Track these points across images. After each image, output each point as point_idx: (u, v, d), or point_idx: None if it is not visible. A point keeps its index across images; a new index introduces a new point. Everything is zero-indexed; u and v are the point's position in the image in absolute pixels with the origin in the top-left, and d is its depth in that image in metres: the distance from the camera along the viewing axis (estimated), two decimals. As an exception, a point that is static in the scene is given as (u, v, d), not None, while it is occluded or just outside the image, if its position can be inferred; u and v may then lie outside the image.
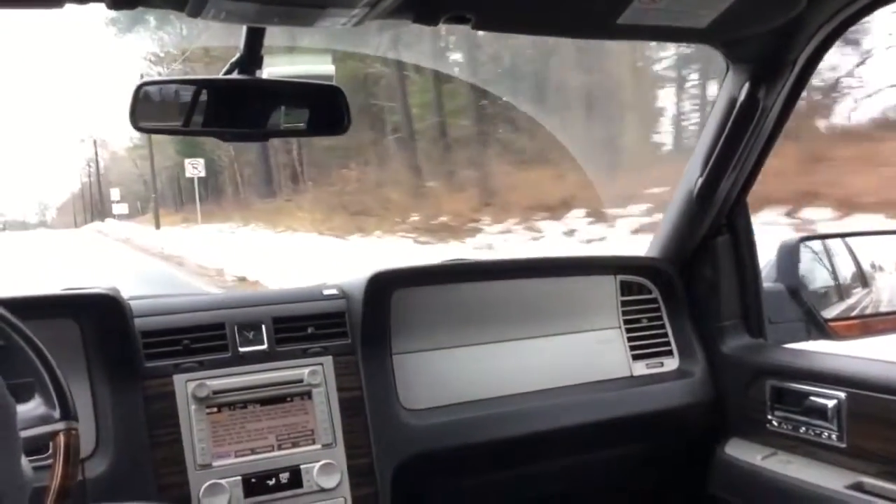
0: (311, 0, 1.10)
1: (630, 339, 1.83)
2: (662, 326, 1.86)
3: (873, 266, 1.91)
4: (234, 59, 1.35)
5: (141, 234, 27.60)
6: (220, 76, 1.35)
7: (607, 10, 1.25)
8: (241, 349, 1.49)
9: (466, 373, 1.67)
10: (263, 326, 1.51)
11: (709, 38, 1.43)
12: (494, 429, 1.62)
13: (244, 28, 1.29)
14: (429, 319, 1.67)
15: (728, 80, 1.61)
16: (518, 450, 1.66)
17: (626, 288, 1.85)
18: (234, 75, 1.34)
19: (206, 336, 1.48)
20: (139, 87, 1.30)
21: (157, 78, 1.34)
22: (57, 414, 1.06)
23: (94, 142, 55.46)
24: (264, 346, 1.50)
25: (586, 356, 1.79)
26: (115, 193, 43.85)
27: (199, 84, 1.33)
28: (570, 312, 1.80)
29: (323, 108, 1.39)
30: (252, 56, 1.32)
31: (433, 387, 1.63)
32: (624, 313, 1.84)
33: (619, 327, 1.83)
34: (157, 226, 29.28)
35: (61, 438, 1.05)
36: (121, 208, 44.59)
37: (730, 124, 1.61)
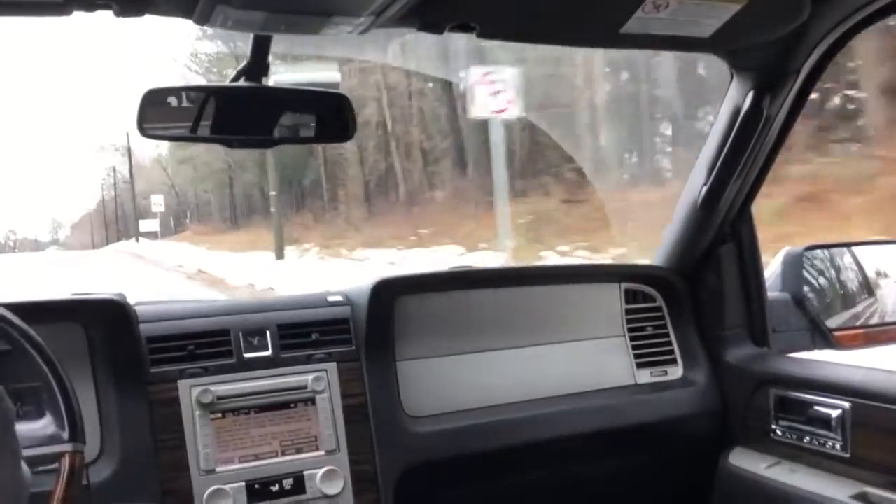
0: (318, 8, 1.12)
1: (634, 348, 1.83)
2: (667, 335, 1.86)
3: (878, 275, 1.90)
4: (240, 67, 1.36)
5: (219, 263, 18.35)
6: (228, 84, 1.37)
7: (612, 20, 1.26)
8: (246, 355, 1.49)
9: (470, 380, 1.67)
10: (268, 332, 1.52)
11: (713, 47, 1.44)
12: (498, 436, 1.62)
13: (251, 36, 1.30)
14: (433, 326, 1.67)
15: (732, 89, 1.62)
16: (522, 458, 1.66)
17: (630, 296, 1.85)
18: (241, 83, 1.36)
19: (212, 342, 1.48)
20: (147, 94, 1.32)
21: (164, 85, 1.35)
22: (66, 435, 1.08)
23: (127, 146, 46.22)
24: (269, 353, 1.51)
25: (590, 364, 1.79)
26: (156, 200, 38.65)
27: (207, 91, 1.34)
28: (574, 320, 1.80)
29: (329, 116, 1.40)
30: (259, 64, 1.34)
31: (437, 394, 1.64)
32: (628, 321, 1.84)
33: (624, 335, 1.83)
34: (280, 252, 17.79)
35: (66, 460, 1.07)
36: (150, 224, 40.41)
37: (734, 133, 1.62)
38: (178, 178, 43.79)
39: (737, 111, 1.60)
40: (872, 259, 1.91)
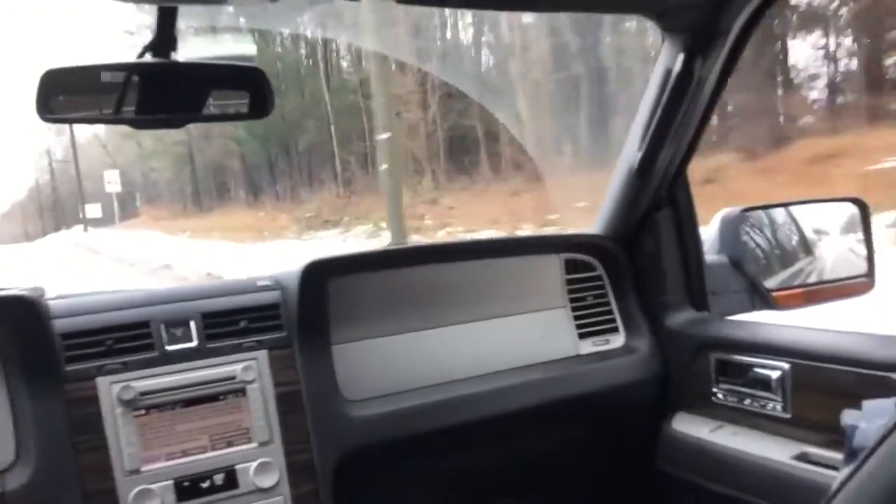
0: None
1: (576, 318, 1.81)
2: (608, 303, 1.85)
3: (816, 234, 1.91)
4: (147, 43, 1.27)
5: (220, 258, 13.79)
6: (134, 60, 1.28)
7: None
8: (169, 347, 1.42)
9: (410, 360, 1.63)
10: (192, 322, 1.45)
11: (643, 8, 1.40)
12: (441, 416, 1.58)
13: (155, 8, 1.22)
14: (369, 307, 1.62)
15: (664, 51, 1.59)
16: (466, 436, 1.63)
17: (570, 266, 1.82)
18: (148, 59, 1.27)
19: (131, 335, 1.41)
20: (46, 75, 1.22)
21: (63, 66, 1.26)
22: None
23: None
24: (193, 343, 1.44)
25: (532, 337, 1.76)
26: (110, 178, 31.43)
27: (110, 69, 1.25)
28: (514, 294, 1.76)
29: (244, 92, 1.32)
30: (165, 38, 1.25)
31: (376, 376, 1.59)
32: (569, 292, 1.82)
33: (565, 306, 1.81)
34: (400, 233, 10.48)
35: None
36: (92, 210, 34.81)
37: (666, 96, 1.59)
38: (120, 156, 39.38)
39: (668, 74, 1.57)
40: (810, 218, 1.91)
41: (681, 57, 1.53)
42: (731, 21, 1.46)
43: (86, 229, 34.45)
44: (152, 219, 34.73)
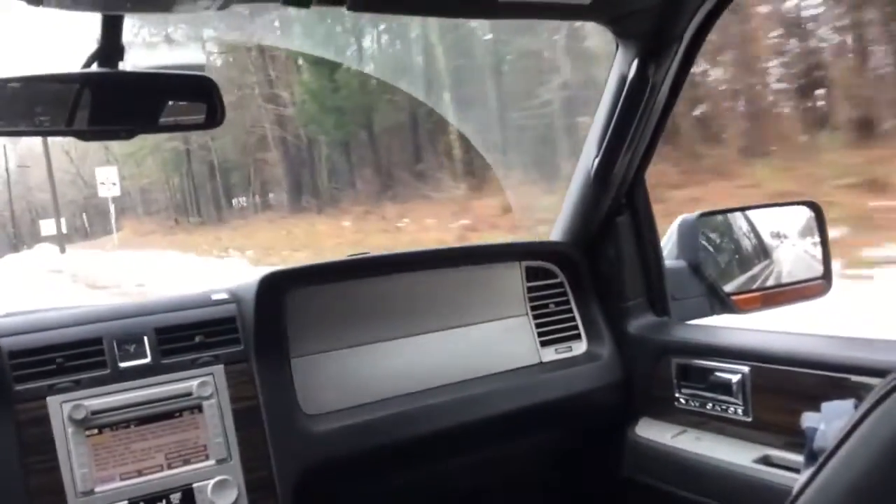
0: None
1: (538, 326, 1.80)
2: (570, 310, 1.84)
3: (773, 237, 1.93)
4: (92, 52, 1.24)
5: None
6: (78, 70, 1.25)
7: None
8: (122, 364, 1.38)
9: (371, 372, 1.61)
10: (146, 338, 1.41)
11: (594, 14, 1.41)
12: (403, 428, 1.56)
13: (100, 17, 1.19)
14: (329, 319, 1.59)
15: (618, 57, 1.59)
16: (429, 448, 1.61)
17: (531, 274, 1.82)
18: (94, 68, 1.24)
19: (82, 353, 1.37)
20: None
21: (3, 76, 1.22)
22: None
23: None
24: (147, 360, 1.40)
25: (495, 346, 1.75)
26: (105, 177, 24.03)
27: (54, 80, 1.22)
28: (475, 302, 1.75)
29: (195, 100, 1.29)
30: (111, 47, 1.22)
31: (337, 389, 1.56)
32: (531, 300, 1.81)
33: (527, 314, 1.80)
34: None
35: None
36: (48, 226, 29.54)
37: (621, 102, 1.59)
38: (84, 163, 34.68)
39: (623, 80, 1.58)
40: (767, 222, 1.93)
41: (635, 63, 1.54)
42: (683, 27, 1.47)
43: (63, 249, 28.70)
44: (136, 234, 30.16)
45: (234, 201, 30.61)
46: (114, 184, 23.77)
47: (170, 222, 32.46)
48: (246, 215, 27.38)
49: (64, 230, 30.59)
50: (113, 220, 26.35)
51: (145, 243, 26.04)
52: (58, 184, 31.90)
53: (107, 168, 25.44)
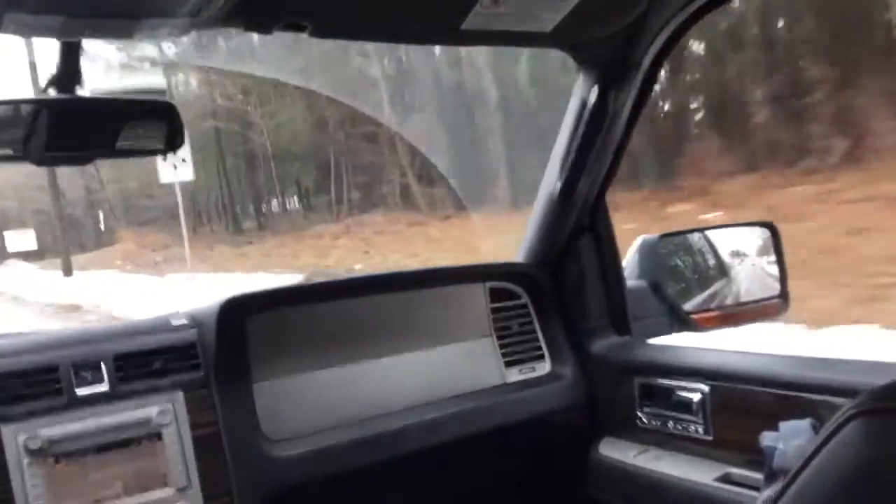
0: (125, 10, 1.01)
1: (502, 347, 1.81)
2: (533, 331, 1.85)
3: (732, 257, 1.96)
4: (49, 77, 1.23)
5: None
6: (35, 96, 1.23)
7: (450, 16, 1.22)
8: (79, 391, 1.35)
9: (334, 395, 1.60)
10: (103, 365, 1.39)
11: (555, 41, 1.43)
12: (367, 452, 1.55)
13: (59, 42, 1.18)
14: (291, 343, 1.58)
15: (579, 82, 1.62)
16: (394, 472, 1.61)
17: (495, 295, 1.83)
18: (51, 94, 1.22)
19: (38, 380, 1.34)
20: None
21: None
22: None
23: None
24: (105, 387, 1.37)
25: (459, 367, 1.75)
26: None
27: (7, 104, 1.20)
28: (439, 324, 1.75)
29: (154, 126, 1.28)
30: (68, 72, 1.21)
31: (299, 413, 1.55)
32: (494, 321, 1.82)
33: (491, 335, 1.81)
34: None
35: None
36: (25, 240, 23.72)
37: (582, 127, 1.62)
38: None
39: (584, 105, 1.60)
40: (725, 242, 1.97)
41: (595, 90, 1.56)
42: (642, 54, 1.50)
43: (68, 272, 21.26)
44: (143, 248, 24.60)
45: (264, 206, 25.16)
46: (183, 160, 13.77)
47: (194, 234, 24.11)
48: (298, 222, 22.20)
49: (34, 246, 25.43)
50: (183, 229, 15.79)
51: (206, 260, 19.43)
52: (23, 189, 26.84)
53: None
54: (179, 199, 14.95)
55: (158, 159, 12.51)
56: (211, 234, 24.79)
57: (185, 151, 13.21)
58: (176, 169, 13.56)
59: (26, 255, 24.68)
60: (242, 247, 21.48)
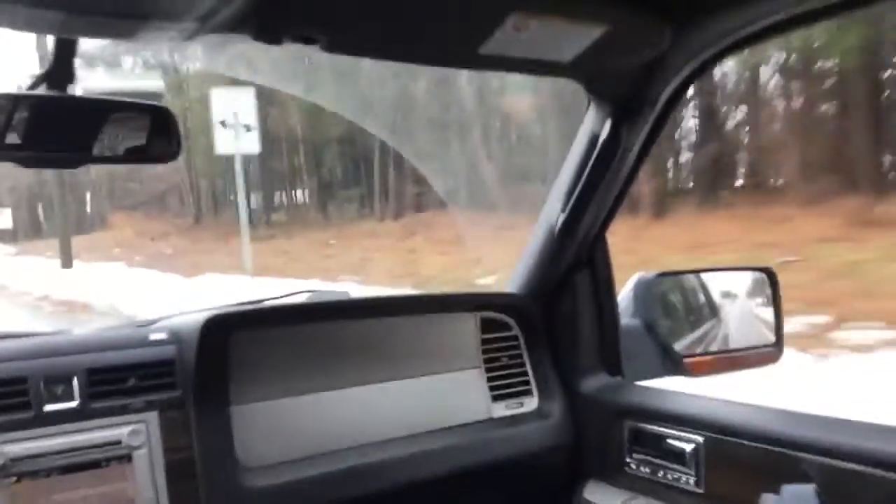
0: (130, 10, 0.95)
1: (490, 380, 1.75)
2: (523, 365, 1.80)
3: (729, 302, 1.93)
4: (41, 72, 1.16)
5: None
6: (23, 91, 1.16)
7: (469, 39, 1.17)
8: (47, 407, 1.27)
9: (315, 423, 1.53)
10: (75, 379, 1.30)
11: (572, 72, 1.38)
12: (347, 485, 1.48)
13: (53, 38, 1.11)
14: (274, 364, 1.51)
15: (589, 115, 1.57)
16: None
17: (486, 325, 1.77)
18: (42, 91, 1.15)
19: (4, 392, 1.26)
20: None
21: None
22: None
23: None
24: (75, 403, 1.29)
25: (446, 399, 1.69)
26: (228, 102, 11.35)
27: None
28: (428, 353, 1.69)
29: (149, 131, 1.22)
30: (62, 69, 1.14)
31: (279, 440, 1.48)
32: (484, 352, 1.76)
33: (480, 367, 1.75)
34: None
35: None
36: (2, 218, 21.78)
37: (592, 162, 1.58)
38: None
39: (594, 138, 1.56)
40: (723, 286, 1.93)
41: (607, 125, 1.52)
42: (659, 92, 1.46)
43: (68, 262, 18.24)
44: (141, 235, 21.58)
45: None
46: (247, 128, 11.18)
47: (187, 221, 21.58)
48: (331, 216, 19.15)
49: (10, 225, 22.92)
50: (242, 221, 12.41)
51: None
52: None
53: (233, 91, 11.85)
54: (239, 171, 11.31)
55: (214, 114, 11.65)
56: (216, 226, 21.10)
57: (250, 117, 11.37)
58: (237, 139, 10.86)
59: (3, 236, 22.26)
60: (266, 241, 17.92)
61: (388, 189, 18.66)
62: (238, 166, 11.54)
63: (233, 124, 10.88)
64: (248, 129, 11.02)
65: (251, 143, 11.38)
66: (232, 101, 11.25)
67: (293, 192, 23.27)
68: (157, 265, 16.32)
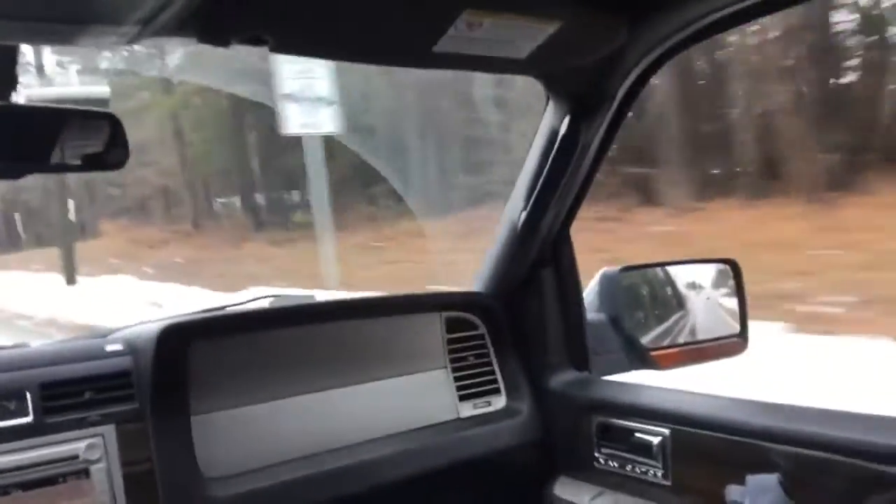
0: (70, 16, 0.93)
1: (457, 379, 1.74)
2: (490, 363, 1.79)
3: (693, 293, 1.93)
4: None
5: None
6: None
7: (422, 38, 1.16)
8: (0, 423, 1.24)
9: (279, 430, 1.50)
10: (28, 394, 1.27)
11: (529, 68, 1.38)
12: (312, 492, 1.46)
13: None
14: (235, 372, 1.48)
15: (548, 112, 1.57)
16: None
17: (451, 325, 1.76)
18: None
19: None
20: None
21: None
22: None
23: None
24: (29, 419, 1.26)
25: (412, 401, 1.68)
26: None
27: None
28: (393, 355, 1.68)
29: (95, 138, 1.19)
30: (4, 77, 1.11)
31: (242, 449, 1.45)
32: (450, 352, 1.75)
33: (446, 367, 1.74)
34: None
35: None
36: None
37: (552, 158, 1.57)
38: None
39: (553, 135, 1.55)
40: (687, 278, 1.94)
41: (566, 121, 1.52)
42: (616, 87, 1.46)
43: (71, 279, 16.29)
44: (135, 244, 19.72)
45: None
46: (328, 102, 8.49)
47: (183, 226, 19.78)
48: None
49: None
50: (326, 217, 9.64)
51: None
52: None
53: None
54: (318, 159, 8.80)
55: (280, 84, 8.05)
56: (219, 230, 19.25)
57: (330, 89, 8.39)
58: (311, 115, 8.12)
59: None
60: (288, 246, 15.26)
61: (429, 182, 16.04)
62: (310, 155, 8.81)
63: (306, 98, 8.08)
64: (327, 103, 8.17)
65: (328, 122, 8.38)
66: (304, 71, 7.99)
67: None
68: (172, 277, 14.46)
